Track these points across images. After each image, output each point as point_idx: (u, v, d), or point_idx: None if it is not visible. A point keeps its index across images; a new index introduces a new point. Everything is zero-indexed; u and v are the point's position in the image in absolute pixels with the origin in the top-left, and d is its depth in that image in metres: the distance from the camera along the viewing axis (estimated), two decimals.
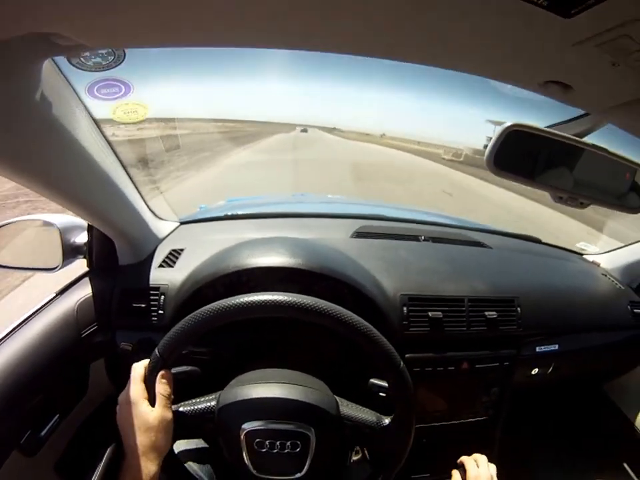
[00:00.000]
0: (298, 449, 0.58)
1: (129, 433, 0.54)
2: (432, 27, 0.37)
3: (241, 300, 0.57)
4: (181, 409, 0.60)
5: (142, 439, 0.54)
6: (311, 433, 0.58)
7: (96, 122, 0.68)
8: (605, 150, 0.61)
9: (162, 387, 0.57)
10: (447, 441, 0.96)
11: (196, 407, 0.61)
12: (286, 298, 0.57)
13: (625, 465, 1.25)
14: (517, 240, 1.42)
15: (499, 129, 0.54)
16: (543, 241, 1.43)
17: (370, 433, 0.61)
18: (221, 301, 0.58)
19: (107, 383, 0.87)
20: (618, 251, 1.35)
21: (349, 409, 0.63)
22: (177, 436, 0.59)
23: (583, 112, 0.61)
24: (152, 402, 0.57)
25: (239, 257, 0.82)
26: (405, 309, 0.87)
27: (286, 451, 0.58)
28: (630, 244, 1.31)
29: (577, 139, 0.60)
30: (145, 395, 0.57)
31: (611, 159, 0.63)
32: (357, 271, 0.89)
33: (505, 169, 0.56)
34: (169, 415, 0.56)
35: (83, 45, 0.44)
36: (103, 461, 0.77)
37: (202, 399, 0.62)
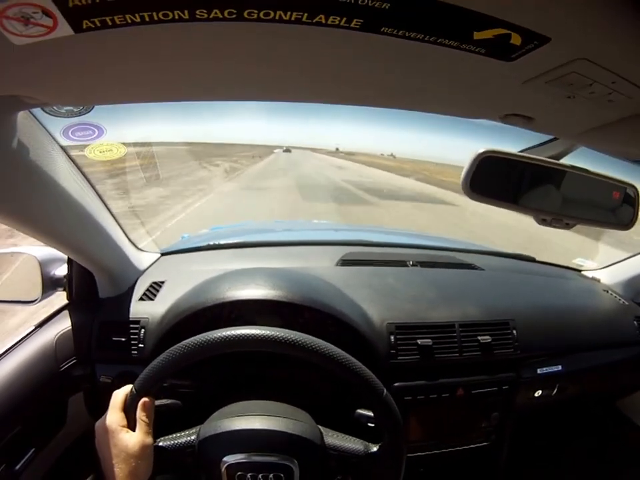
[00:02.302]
0: None
1: (108, 461, 0.53)
2: (401, 76, 0.38)
3: (215, 335, 0.56)
4: (160, 443, 0.58)
5: (122, 467, 0.52)
6: (294, 465, 0.56)
7: (74, 160, 0.69)
8: (586, 170, 0.60)
9: (143, 414, 0.56)
10: (448, 469, 0.93)
11: (176, 442, 0.59)
12: (261, 332, 0.56)
13: None
14: (511, 260, 1.39)
15: (472, 155, 0.53)
16: (538, 259, 1.41)
17: (357, 463, 0.59)
18: (197, 336, 0.57)
19: (86, 416, 0.86)
20: (618, 265, 1.31)
21: (333, 438, 0.60)
22: (157, 471, 0.57)
23: None
24: (132, 429, 0.56)
25: (219, 290, 0.81)
26: (392, 337, 0.86)
27: None
28: (629, 257, 1.28)
29: (554, 161, 0.59)
30: (124, 422, 0.55)
31: (592, 179, 0.62)
32: (341, 300, 0.88)
33: (483, 194, 0.55)
34: (150, 441, 0.55)
35: (50, 103, 0.46)
36: None
37: (182, 434, 0.60)
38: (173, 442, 0.59)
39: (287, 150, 36.10)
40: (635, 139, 0.47)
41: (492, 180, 0.55)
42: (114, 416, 0.56)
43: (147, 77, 0.38)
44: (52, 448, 0.78)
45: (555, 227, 0.58)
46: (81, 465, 0.70)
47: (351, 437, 0.61)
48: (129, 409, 0.57)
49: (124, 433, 0.54)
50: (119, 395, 0.58)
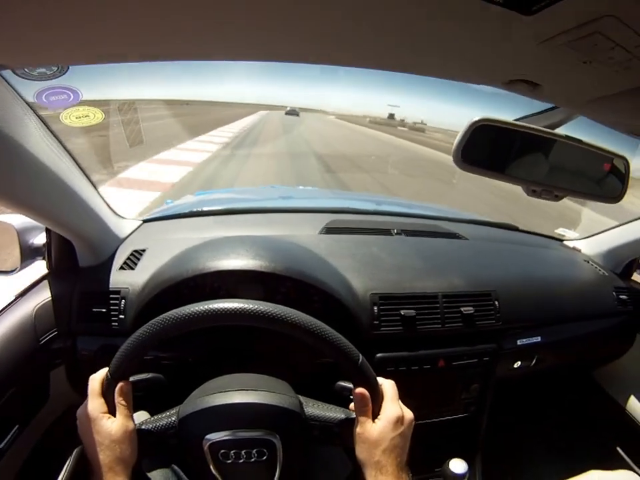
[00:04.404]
0: (265, 457, 0.55)
1: (93, 449, 0.53)
2: (393, 33, 0.35)
3: (182, 312, 0.53)
4: (143, 426, 0.57)
5: (108, 453, 0.52)
6: (276, 439, 0.55)
7: (47, 126, 0.66)
8: (579, 141, 0.59)
9: (120, 399, 0.55)
10: (427, 440, 0.92)
11: (158, 424, 0.58)
12: (229, 305, 0.53)
13: (619, 450, 1.24)
14: (494, 229, 1.39)
15: (466, 124, 0.52)
16: (521, 228, 1.42)
17: (340, 432, 0.58)
18: (164, 315, 0.54)
19: (70, 390, 0.84)
20: (599, 235, 1.33)
21: (314, 408, 0.60)
22: (142, 455, 0.56)
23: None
24: (113, 414, 0.55)
25: (200, 260, 0.79)
26: (375, 308, 0.85)
27: (253, 460, 0.55)
28: (611, 228, 1.29)
29: (549, 130, 0.58)
30: (105, 408, 0.54)
31: (586, 150, 0.61)
32: (324, 270, 0.87)
33: (474, 164, 0.54)
34: (132, 425, 0.55)
35: (5, 66, 0.42)
36: (66, 469, 0.75)
37: (163, 415, 0.59)
38: (154, 424, 0.58)
39: (292, 111, 24.32)
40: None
41: (484, 149, 0.54)
42: (94, 403, 0.55)
43: (112, 33, 0.34)
44: (36, 424, 0.76)
45: (544, 198, 0.58)
46: (66, 440, 0.70)
47: (331, 406, 0.61)
48: (106, 393, 0.55)
49: (105, 419, 0.53)
50: (96, 380, 0.56)
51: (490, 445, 1.06)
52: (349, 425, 0.58)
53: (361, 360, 0.56)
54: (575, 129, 0.64)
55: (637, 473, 1.05)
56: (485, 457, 1.05)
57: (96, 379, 0.56)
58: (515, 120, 0.60)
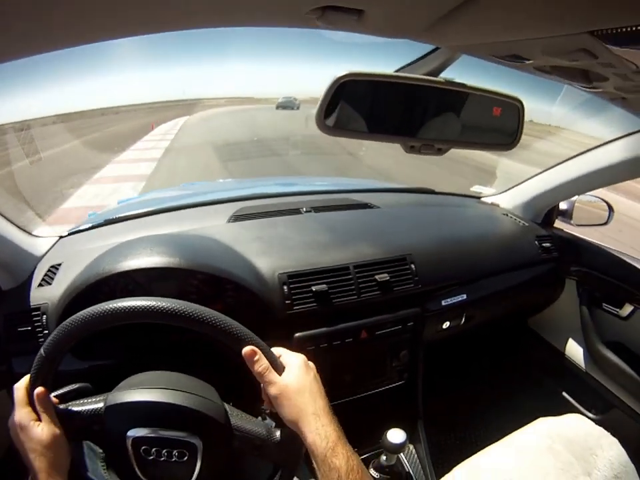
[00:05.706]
0: (185, 458, 0.56)
1: (29, 457, 0.54)
2: None
3: (68, 322, 0.52)
4: (70, 408, 0.58)
5: (42, 459, 0.53)
6: (197, 442, 0.56)
7: None
8: (463, 85, 0.56)
9: (41, 406, 0.55)
10: (367, 413, 0.93)
11: (84, 408, 0.58)
12: (132, 304, 0.51)
13: (564, 394, 1.27)
14: (408, 194, 1.38)
15: (329, 82, 0.47)
16: (437, 190, 1.41)
17: (261, 445, 0.59)
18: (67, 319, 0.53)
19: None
20: (515, 188, 1.34)
21: (238, 419, 0.60)
22: (68, 437, 0.57)
23: (432, 47, 0.55)
24: (40, 420, 0.55)
25: (102, 265, 0.79)
26: (285, 287, 0.84)
27: (173, 459, 0.56)
28: (526, 180, 1.30)
29: (429, 78, 0.54)
30: (33, 416, 0.54)
31: (473, 94, 0.58)
32: (229, 258, 0.85)
33: (343, 126, 0.50)
34: (58, 430, 0.55)
35: None
36: None
37: (91, 400, 0.59)
38: (81, 408, 0.58)
39: (288, 103, 16.97)
40: (473, 28, 0.39)
41: (354, 108, 0.49)
42: (21, 412, 0.55)
43: None
44: None
45: (424, 153, 0.55)
46: (20, 467, 0.70)
47: (255, 419, 0.61)
48: (32, 401, 0.55)
49: (35, 427, 0.54)
50: (20, 390, 0.56)
51: (434, 407, 1.07)
52: (269, 440, 0.58)
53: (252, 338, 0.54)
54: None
55: (584, 415, 1.08)
56: (429, 420, 1.06)
57: (20, 388, 0.57)
58: (395, 71, 0.56)
